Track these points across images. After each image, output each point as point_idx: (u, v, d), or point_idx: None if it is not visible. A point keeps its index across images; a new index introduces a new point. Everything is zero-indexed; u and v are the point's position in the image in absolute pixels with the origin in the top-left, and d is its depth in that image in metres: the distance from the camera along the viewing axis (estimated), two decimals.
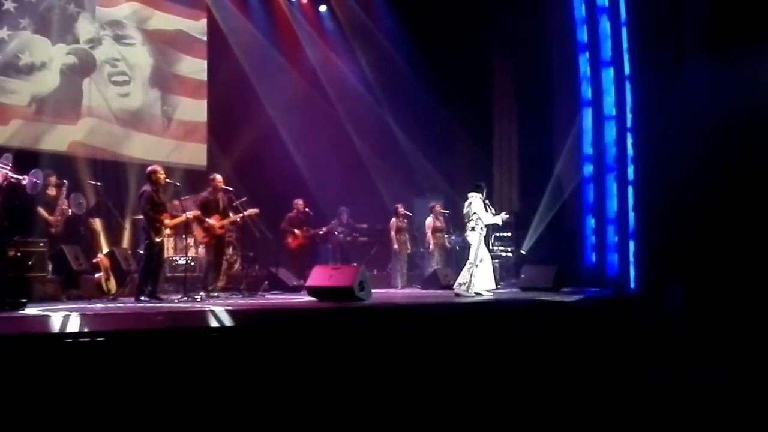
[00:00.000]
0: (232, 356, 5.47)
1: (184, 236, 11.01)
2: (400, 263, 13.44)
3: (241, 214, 10.62)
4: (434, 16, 14.75)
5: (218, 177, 10.52)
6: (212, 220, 10.19)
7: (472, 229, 10.57)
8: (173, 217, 9.87)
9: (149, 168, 9.75)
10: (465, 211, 10.78)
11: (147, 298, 9.29)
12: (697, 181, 11.55)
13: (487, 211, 10.72)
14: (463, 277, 10.53)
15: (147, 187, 9.50)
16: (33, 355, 4.66)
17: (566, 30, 13.63)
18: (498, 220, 10.78)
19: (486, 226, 10.64)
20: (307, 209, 13.24)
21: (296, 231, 13.02)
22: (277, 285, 11.66)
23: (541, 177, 13.90)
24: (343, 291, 8.77)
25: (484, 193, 10.79)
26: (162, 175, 9.55)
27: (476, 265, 10.47)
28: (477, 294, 10.43)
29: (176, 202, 10.60)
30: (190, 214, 9.98)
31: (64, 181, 10.58)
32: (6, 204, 8.97)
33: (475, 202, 10.66)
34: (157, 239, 9.44)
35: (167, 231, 9.84)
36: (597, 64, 13.44)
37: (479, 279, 10.54)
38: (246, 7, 14.63)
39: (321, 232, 13.57)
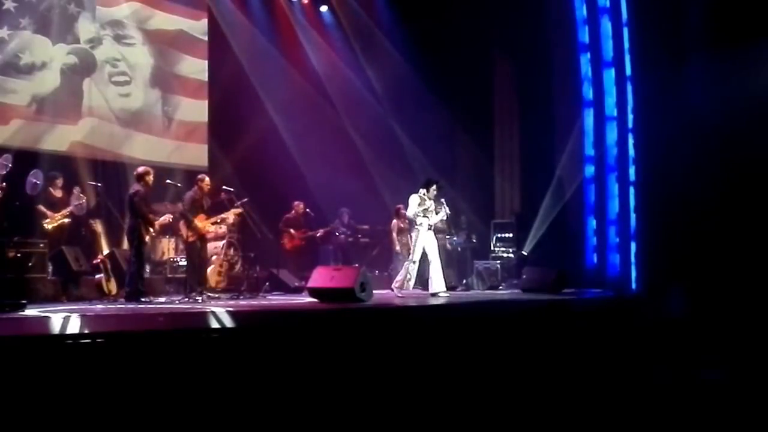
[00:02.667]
0: (233, 357, 5.46)
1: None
2: (401, 264, 13.40)
3: (229, 212, 10.69)
4: (435, 17, 14.73)
5: (206, 179, 10.51)
6: (197, 221, 10.23)
7: (420, 224, 10.48)
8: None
9: (143, 169, 9.78)
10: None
11: (146, 299, 9.30)
12: (698, 182, 11.58)
13: (439, 210, 10.58)
14: (400, 274, 10.53)
15: (140, 188, 9.51)
16: (33, 357, 4.65)
17: (567, 30, 13.66)
18: (408, 215, 10.50)
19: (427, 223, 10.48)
20: (307, 210, 13.24)
21: (292, 232, 12.99)
22: (279, 286, 11.67)
23: (543, 178, 13.91)
24: (344, 292, 8.76)
25: (431, 189, 10.56)
26: (152, 177, 9.66)
27: (413, 262, 10.41)
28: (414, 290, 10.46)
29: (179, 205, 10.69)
30: (169, 218, 10.16)
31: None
32: (6, 205, 8.97)
33: (411, 198, 10.56)
34: (147, 239, 9.52)
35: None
36: (598, 65, 13.47)
37: (434, 278, 10.45)
38: (247, 7, 14.61)
39: (318, 234, 13.52)
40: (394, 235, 13.30)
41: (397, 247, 13.28)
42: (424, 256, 10.66)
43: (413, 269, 10.44)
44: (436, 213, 10.60)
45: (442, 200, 10.76)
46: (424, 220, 10.46)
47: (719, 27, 11.79)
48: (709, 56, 11.92)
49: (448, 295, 10.54)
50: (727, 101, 11.41)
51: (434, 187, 10.60)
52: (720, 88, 11.64)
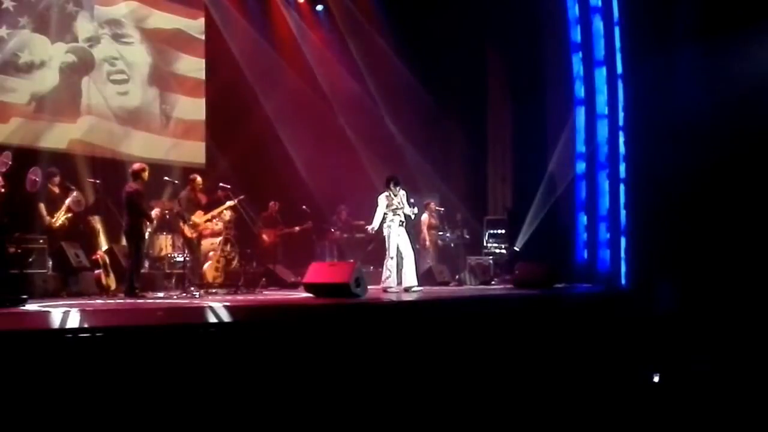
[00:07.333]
0: (231, 351, 5.58)
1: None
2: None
3: (222, 207, 10.93)
4: (430, 16, 14.87)
5: (198, 178, 10.83)
6: (194, 217, 10.42)
7: (391, 220, 10.59)
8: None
9: (138, 165, 9.84)
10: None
11: (142, 293, 9.42)
12: (687, 179, 11.72)
13: (411, 205, 10.67)
14: (384, 273, 10.64)
15: (137, 186, 9.57)
16: (33, 351, 4.76)
17: (560, 30, 13.75)
18: (375, 223, 10.58)
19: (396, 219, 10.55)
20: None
21: (265, 230, 12.99)
22: (275, 281, 11.80)
23: (535, 175, 13.99)
24: (340, 287, 8.85)
25: (396, 187, 10.62)
26: (148, 174, 9.78)
27: (390, 258, 10.53)
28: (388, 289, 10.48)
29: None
30: (158, 211, 10.41)
31: (72, 188, 10.59)
32: (6, 201, 9.08)
33: (380, 198, 10.65)
34: (146, 235, 9.69)
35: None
36: (590, 64, 13.57)
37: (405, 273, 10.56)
38: (243, 7, 14.68)
39: (296, 230, 13.57)
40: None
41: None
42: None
43: (392, 265, 10.55)
44: (410, 206, 10.71)
45: (412, 199, 10.89)
46: (396, 217, 10.55)
47: (709, 25, 11.93)
48: (700, 55, 12.06)
49: (420, 289, 10.65)
50: (716, 97, 11.54)
51: (393, 182, 10.68)
52: (710, 86, 11.78)
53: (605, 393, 7.59)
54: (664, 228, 11.91)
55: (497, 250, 14.15)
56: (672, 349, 9.34)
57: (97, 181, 11.35)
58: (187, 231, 10.57)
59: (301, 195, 13.99)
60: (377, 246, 14.05)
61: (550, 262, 11.86)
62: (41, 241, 9.79)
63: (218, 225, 11.44)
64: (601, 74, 13.43)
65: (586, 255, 13.55)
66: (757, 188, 11.40)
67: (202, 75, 14.26)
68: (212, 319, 6.53)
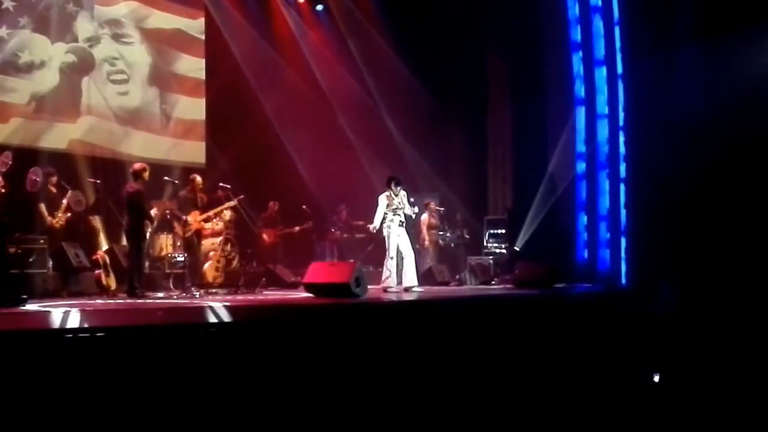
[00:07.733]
0: (230, 351, 5.58)
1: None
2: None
3: (221, 206, 10.97)
4: (430, 16, 14.88)
5: (198, 178, 10.85)
6: (190, 217, 10.44)
7: (391, 220, 10.61)
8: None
9: (139, 165, 9.82)
10: None
11: (142, 294, 9.42)
12: (687, 179, 11.73)
13: (411, 205, 10.70)
14: (384, 272, 10.65)
15: (138, 186, 9.56)
16: (33, 351, 4.76)
17: (560, 29, 13.77)
18: (376, 222, 10.60)
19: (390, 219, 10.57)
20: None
21: (265, 231, 13.00)
22: (275, 281, 11.81)
23: (535, 175, 14.01)
24: (340, 287, 8.87)
25: (397, 188, 10.63)
26: (149, 174, 9.77)
27: (390, 258, 10.55)
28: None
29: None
30: (155, 210, 10.40)
31: (67, 186, 10.57)
32: (6, 201, 9.09)
33: (380, 198, 10.67)
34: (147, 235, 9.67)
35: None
36: (590, 63, 13.59)
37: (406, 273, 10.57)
38: (243, 7, 14.70)
39: (296, 230, 13.57)
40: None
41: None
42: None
43: (391, 265, 10.55)
44: (410, 206, 10.71)
45: (412, 199, 10.91)
46: (396, 217, 10.56)
47: (709, 25, 11.94)
48: (699, 52, 12.06)
49: (421, 290, 10.66)
50: (717, 99, 11.55)
51: (394, 183, 10.69)
52: (710, 83, 11.79)
53: (605, 393, 7.59)
54: (665, 228, 11.92)
55: (497, 250, 14.16)
56: (672, 349, 9.34)
57: (98, 181, 11.37)
58: (183, 231, 10.54)
59: (301, 195, 14.00)
60: (377, 246, 14.08)
61: (550, 262, 11.86)
62: (41, 241, 9.80)
63: (218, 225, 11.46)
64: (601, 74, 13.46)
65: (586, 255, 13.58)
66: (757, 188, 11.41)
67: (202, 75, 14.27)
68: (212, 319, 6.54)
